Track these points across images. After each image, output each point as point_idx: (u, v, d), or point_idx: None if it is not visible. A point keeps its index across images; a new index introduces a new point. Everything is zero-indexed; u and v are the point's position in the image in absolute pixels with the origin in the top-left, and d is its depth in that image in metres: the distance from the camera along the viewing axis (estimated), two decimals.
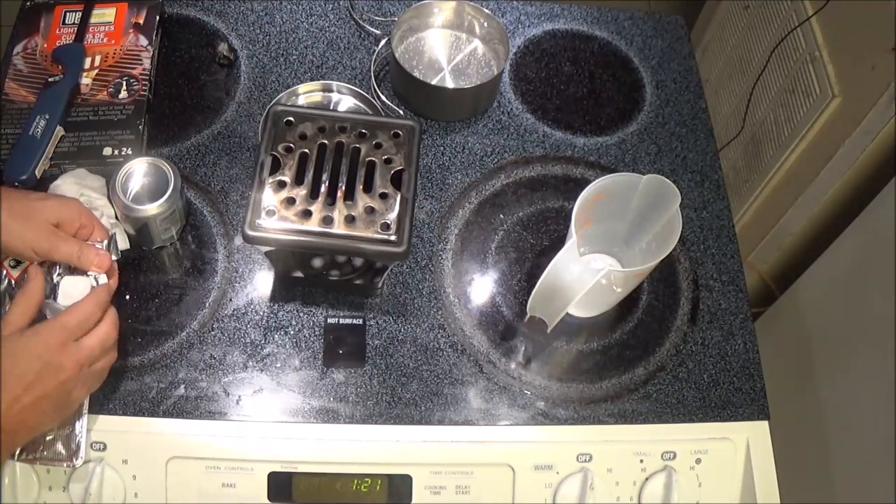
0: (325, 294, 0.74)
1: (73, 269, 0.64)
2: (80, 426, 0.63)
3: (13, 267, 0.67)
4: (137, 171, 0.70)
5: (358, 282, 0.73)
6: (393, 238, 0.62)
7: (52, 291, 0.63)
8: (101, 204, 0.71)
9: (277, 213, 0.62)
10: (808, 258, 1.15)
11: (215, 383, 0.68)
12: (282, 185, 0.63)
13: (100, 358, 0.60)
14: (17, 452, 0.61)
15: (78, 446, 0.62)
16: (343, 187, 0.64)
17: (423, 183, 0.81)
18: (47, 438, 0.62)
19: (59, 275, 0.64)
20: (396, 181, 0.65)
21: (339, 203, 0.63)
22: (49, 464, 0.62)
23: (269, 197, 0.62)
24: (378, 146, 0.66)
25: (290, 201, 0.62)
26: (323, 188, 0.63)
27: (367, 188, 0.64)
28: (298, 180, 0.64)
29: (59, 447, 0.62)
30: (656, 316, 0.77)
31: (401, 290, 0.75)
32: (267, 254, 0.69)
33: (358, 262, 0.70)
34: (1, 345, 0.56)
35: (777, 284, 1.32)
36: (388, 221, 0.63)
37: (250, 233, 0.61)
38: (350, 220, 0.62)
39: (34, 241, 0.62)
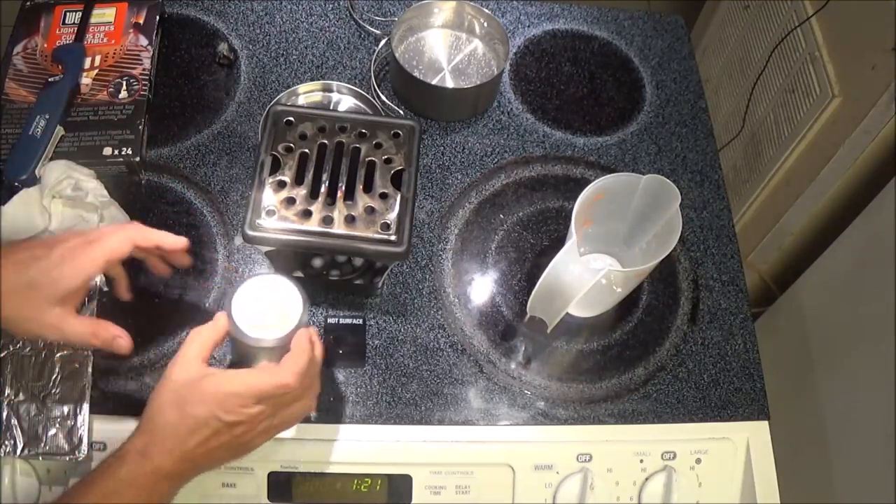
0: (325, 294, 0.74)
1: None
2: (82, 419, 0.62)
3: None
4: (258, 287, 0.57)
5: (358, 282, 0.73)
6: (393, 238, 0.62)
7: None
8: (92, 186, 0.71)
9: (277, 213, 0.62)
10: (808, 258, 1.15)
11: None
12: (282, 185, 0.63)
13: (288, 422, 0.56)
14: (20, 449, 0.61)
15: (80, 439, 0.62)
16: (343, 187, 0.64)
17: (423, 183, 0.81)
18: (49, 433, 0.62)
19: None
20: (396, 181, 0.64)
21: (339, 203, 0.63)
22: (51, 458, 0.62)
23: (269, 197, 0.62)
24: (378, 146, 0.66)
25: (290, 201, 0.62)
26: (323, 188, 0.63)
27: (367, 188, 0.64)
28: (298, 180, 0.64)
29: (61, 441, 0.62)
30: (656, 316, 0.77)
31: (401, 290, 0.75)
32: (267, 254, 0.69)
33: (358, 262, 0.70)
34: (171, 389, 0.51)
35: (777, 284, 1.32)
36: (388, 221, 0.63)
37: (250, 233, 0.61)
38: (350, 220, 0.62)
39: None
